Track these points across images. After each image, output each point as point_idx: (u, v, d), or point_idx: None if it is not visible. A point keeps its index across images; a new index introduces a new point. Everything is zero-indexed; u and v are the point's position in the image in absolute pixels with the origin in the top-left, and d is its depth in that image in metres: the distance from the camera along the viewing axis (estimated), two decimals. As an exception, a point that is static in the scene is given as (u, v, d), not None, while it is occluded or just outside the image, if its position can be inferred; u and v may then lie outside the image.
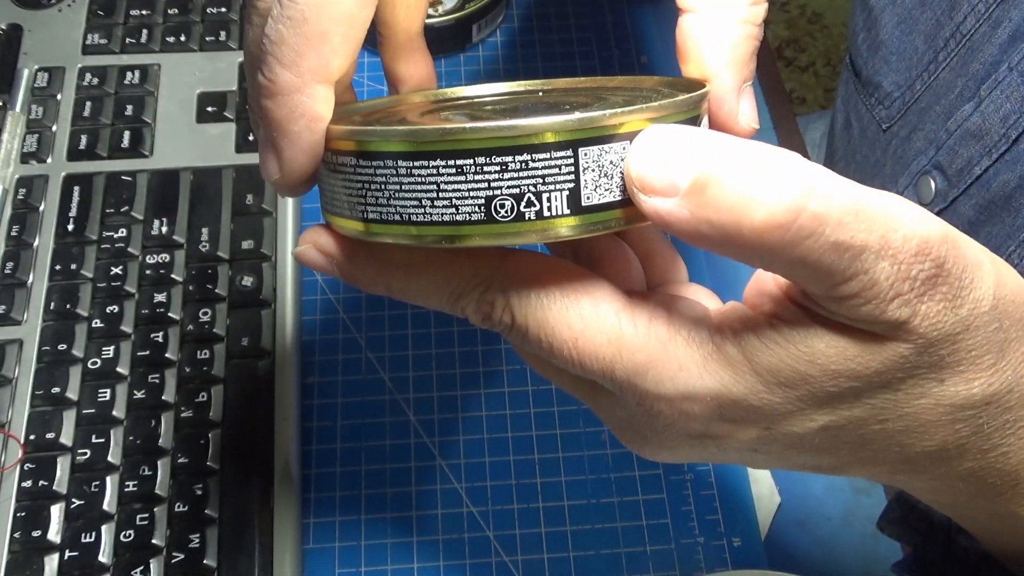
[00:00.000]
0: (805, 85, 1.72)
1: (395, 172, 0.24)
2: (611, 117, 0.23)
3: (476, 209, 0.23)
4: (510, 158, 0.23)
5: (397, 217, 0.24)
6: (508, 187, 0.23)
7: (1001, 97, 0.44)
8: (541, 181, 0.23)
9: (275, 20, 0.25)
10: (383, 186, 0.24)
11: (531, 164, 0.23)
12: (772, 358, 0.24)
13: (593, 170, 0.23)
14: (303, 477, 0.47)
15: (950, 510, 0.33)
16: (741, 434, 0.27)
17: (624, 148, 0.23)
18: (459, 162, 0.23)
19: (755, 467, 0.30)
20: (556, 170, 0.23)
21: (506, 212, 0.23)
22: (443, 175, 0.23)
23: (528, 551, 0.46)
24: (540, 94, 0.32)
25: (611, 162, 0.23)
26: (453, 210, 0.23)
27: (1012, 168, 0.44)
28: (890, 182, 0.54)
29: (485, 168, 0.23)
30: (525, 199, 0.23)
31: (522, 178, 0.23)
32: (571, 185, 0.23)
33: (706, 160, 0.22)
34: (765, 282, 0.26)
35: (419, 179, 0.24)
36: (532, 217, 0.23)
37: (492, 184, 0.23)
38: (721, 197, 0.21)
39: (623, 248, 0.30)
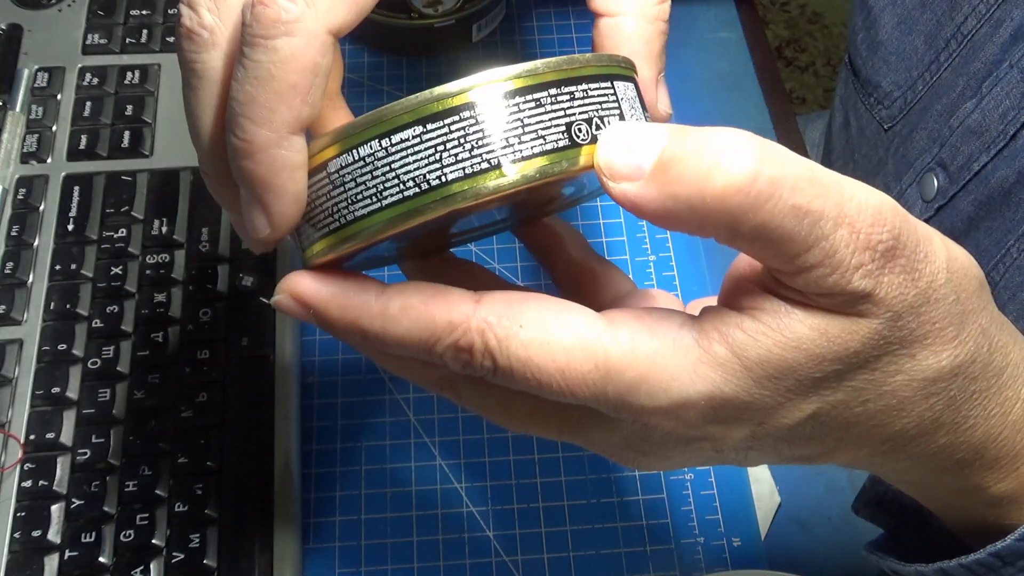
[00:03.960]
0: (805, 85, 1.72)
1: (475, 121, 0.25)
2: (623, 60, 0.27)
3: (561, 136, 0.25)
4: (574, 87, 0.26)
5: (485, 165, 0.25)
6: (580, 112, 0.26)
7: (1001, 94, 0.44)
8: (600, 107, 0.26)
9: (240, 81, 0.25)
10: (462, 140, 0.25)
11: (590, 93, 0.26)
12: (760, 350, 0.25)
13: (626, 100, 0.27)
14: (303, 477, 0.47)
15: (917, 489, 0.34)
16: (735, 432, 0.27)
17: (632, 87, 0.27)
18: (537, 95, 0.25)
19: (749, 465, 0.31)
20: (606, 98, 0.26)
21: (584, 135, 0.26)
22: (524, 110, 0.25)
23: (528, 551, 0.46)
24: None
25: (631, 96, 0.27)
26: (541, 141, 0.25)
27: (1010, 164, 0.44)
28: (893, 180, 0.54)
29: (558, 98, 0.25)
30: (594, 122, 0.26)
31: (588, 104, 0.26)
32: (617, 113, 0.26)
33: (665, 142, 0.24)
34: (739, 278, 0.27)
35: (501, 121, 0.25)
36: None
37: (567, 111, 0.26)
38: (683, 171, 0.23)
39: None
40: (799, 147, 0.60)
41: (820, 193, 0.23)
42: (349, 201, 0.26)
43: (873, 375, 0.26)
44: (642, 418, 0.27)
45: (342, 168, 0.26)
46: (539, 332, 0.26)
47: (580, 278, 0.34)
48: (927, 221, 0.49)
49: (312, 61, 0.25)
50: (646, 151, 0.24)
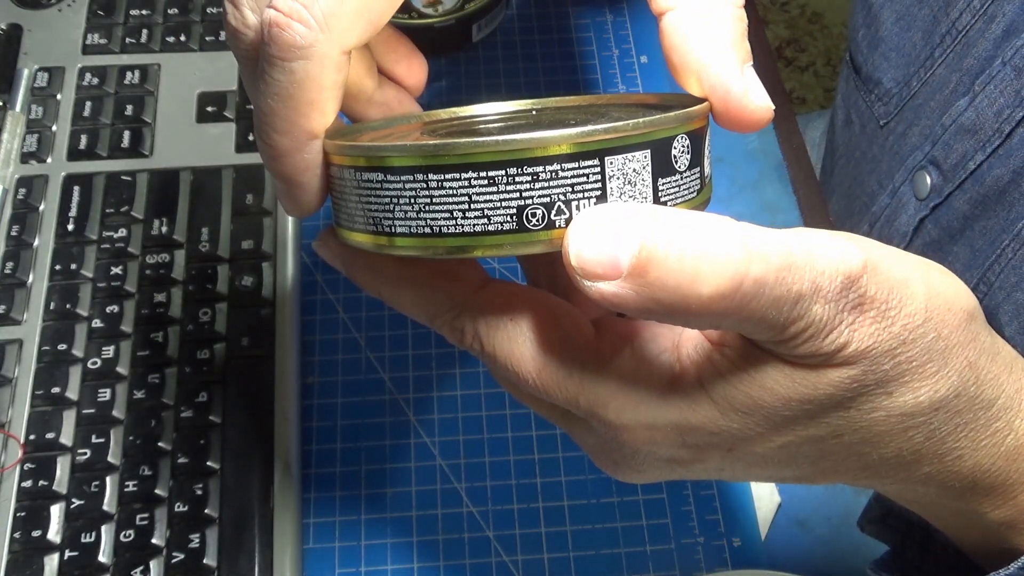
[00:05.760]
0: (805, 85, 1.72)
1: (425, 185, 0.24)
2: (634, 127, 0.24)
3: (508, 219, 0.24)
4: (540, 168, 0.23)
5: (428, 230, 0.25)
6: (539, 196, 0.24)
7: (995, 92, 0.44)
8: (570, 190, 0.24)
9: (262, 94, 0.26)
10: (412, 199, 0.25)
11: (560, 174, 0.24)
12: (728, 387, 0.25)
13: (618, 178, 0.24)
14: (303, 477, 0.47)
15: (916, 507, 0.34)
16: (704, 456, 0.28)
17: (646, 156, 0.24)
18: (491, 173, 0.24)
19: (723, 480, 0.32)
20: (584, 179, 0.24)
21: (537, 220, 0.24)
22: (475, 187, 0.24)
23: (528, 551, 0.46)
24: (533, 113, 0.32)
25: (634, 170, 0.24)
26: (485, 220, 0.24)
27: (1005, 163, 0.44)
28: (886, 178, 0.54)
29: (517, 179, 0.24)
30: (555, 208, 0.24)
31: (552, 187, 0.24)
32: (598, 193, 0.24)
33: (642, 239, 0.22)
34: None
35: (450, 191, 0.24)
36: (562, 225, 0.24)
37: (524, 194, 0.24)
38: (665, 276, 0.22)
39: None
40: (799, 147, 0.60)
41: (798, 277, 0.22)
42: (338, 209, 0.28)
43: (848, 413, 0.26)
44: (611, 432, 0.27)
45: (335, 177, 0.27)
46: (527, 330, 0.27)
47: None
48: (923, 220, 0.49)
49: (328, 81, 0.26)
50: (621, 250, 0.22)
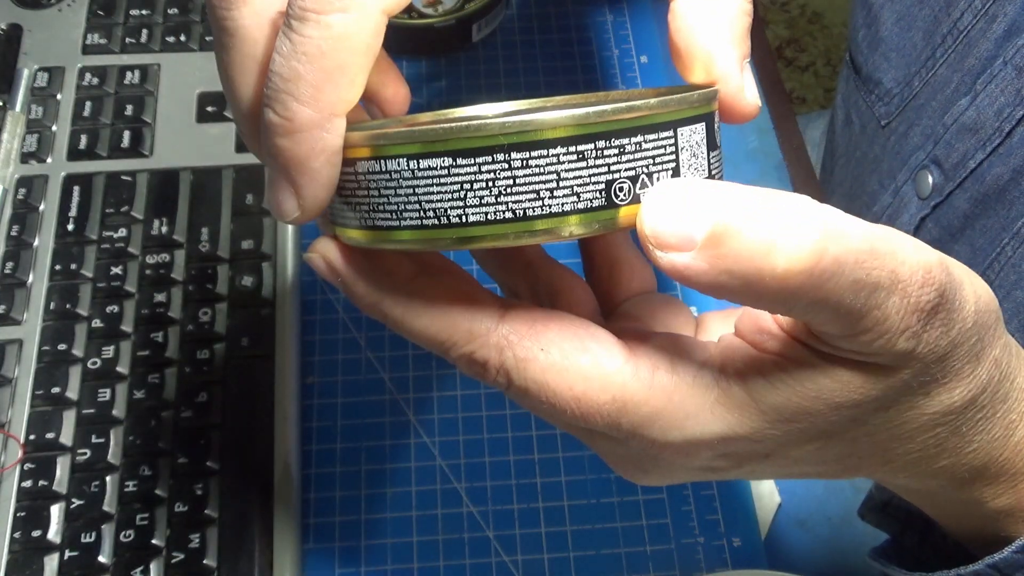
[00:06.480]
0: (805, 85, 1.72)
1: (507, 166, 0.23)
2: (697, 99, 0.24)
3: (597, 195, 0.23)
4: (627, 140, 0.23)
5: (508, 215, 0.23)
6: (626, 169, 0.23)
7: (996, 91, 0.44)
8: (652, 162, 0.23)
9: (285, 56, 0.24)
10: (491, 183, 0.23)
11: (643, 145, 0.23)
12: (778, 398, 0.25)
13: (687, 149, 0.24)
14: (303, 477, 0.47)
15: (914, 497, 0.34)
16: (741, 464, 0.27)
17: (703, 128, 0.24)
18: (581, 148, 0.23)
19: (749, 480, 0.31)
20: (662, 150, 0.23)
21: (624, 195, 0.23)
22: (564, 163, 0.23)
23: (528, 551, 0.46)
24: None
25: (696, 142, 0.24)
26: (574, 198, 0.23)
27: (1005, 161, 0.44)
28: (888, 177, 0.54)
29: (605, 152, 0.23)
30: (640, 181, 0.23)
31: (637, 159, 0.23)
32: (673, 165, 0.24)
33: (719, 210, 0.21)
34: (762, 318, 0.26)
35: (536, 170, 0.23)
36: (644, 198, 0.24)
37: (612, 167, 0.23)
38: (740, 247, 0.21)
39: (577, 278, 0.30)
40: (799, 147, 0.60)
41: (877, 264, 0.22)
42: (371, 208, 0.25)
43: (887, 414, 0.26)
44: (652, 449, 0.26)
45: (369, 173, 0.25)
46: (559, 358, 0.25)
47: (613, 268, 0.32)
48: (924, 219, 0.49)
49: (365, 42, 0.24)
50: (697, 220, 0.21)
